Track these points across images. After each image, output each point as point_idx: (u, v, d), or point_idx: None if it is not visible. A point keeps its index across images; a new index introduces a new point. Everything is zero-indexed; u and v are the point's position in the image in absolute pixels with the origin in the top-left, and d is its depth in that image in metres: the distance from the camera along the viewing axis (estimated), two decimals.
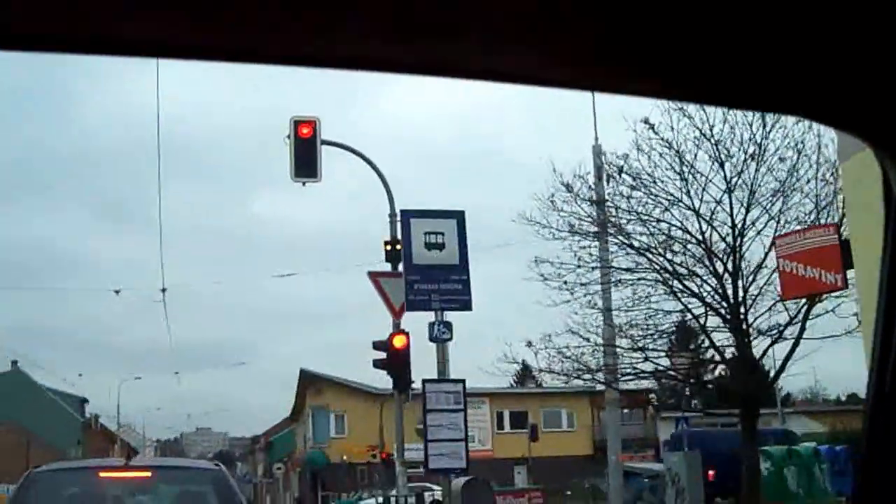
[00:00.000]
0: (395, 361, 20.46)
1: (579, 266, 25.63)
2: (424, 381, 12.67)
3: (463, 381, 13.10)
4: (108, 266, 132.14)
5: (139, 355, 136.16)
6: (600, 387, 30.89)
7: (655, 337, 26.76)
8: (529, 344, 24.64)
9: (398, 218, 22.45)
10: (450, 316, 13.76)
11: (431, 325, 12.89)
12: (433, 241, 12.89)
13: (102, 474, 9.53)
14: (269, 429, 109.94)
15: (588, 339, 26.44)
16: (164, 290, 38.55)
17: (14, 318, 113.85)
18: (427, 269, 12.91)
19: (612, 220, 25.85)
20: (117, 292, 46.77)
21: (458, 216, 13.21)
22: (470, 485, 12.99)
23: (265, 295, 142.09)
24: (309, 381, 79.28)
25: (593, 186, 26.48)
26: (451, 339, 12.91)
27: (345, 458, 75.29)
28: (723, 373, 30.12)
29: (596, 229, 25.77)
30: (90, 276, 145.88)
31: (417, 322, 22.22)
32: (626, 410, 68.03)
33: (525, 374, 67.48)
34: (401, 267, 21.85)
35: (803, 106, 1.82)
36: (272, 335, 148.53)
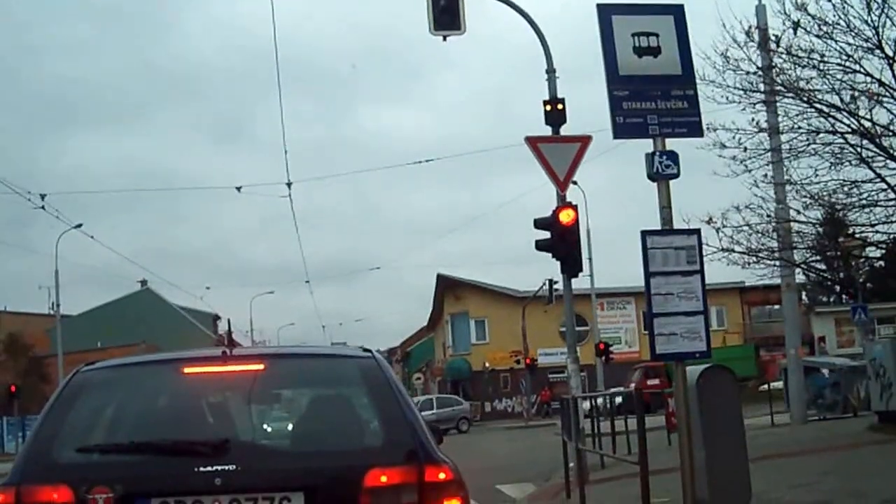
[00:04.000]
0: (563, 239, 17.85)
1: (759, 131, 22.64)
2: (644, 233, 9.59)
3: (698, 231, 10.04)
4: (228, 181, 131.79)
5: (269, 271, 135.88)
6: (770, 278, 27.88)
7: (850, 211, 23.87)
8: (710, 220, 21.79)
9: (557, 75, 19.82)
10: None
11: (650, 156, 9.77)
12: (645, 45, 9.69)
13: (188, 370, 6.13)
14: (406, 339, 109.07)
15: (769, 216, 23.72)
16: (289, 184, 36.14)
17: (140, 240, 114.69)
18: (639, 82, 9.74)
19: (787, 75, 22.66)
20: (239, 189, 44.54)
21: (677, 12, 10.05)
22: (708, 375, 10.01)
23: (391, 204, 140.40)
24: (447, 288, 77.64)
25: (759, 50, 23.29)
26: (677, 174, 9.83)
27: (487, 365, 73.75)
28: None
29: (775, 88, 22.64)
30: (210, 192, 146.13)
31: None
32: (776, 307, 65.24)
33: None
34: (563, 130, 19.17)
35: None
36: (403, 244, 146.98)
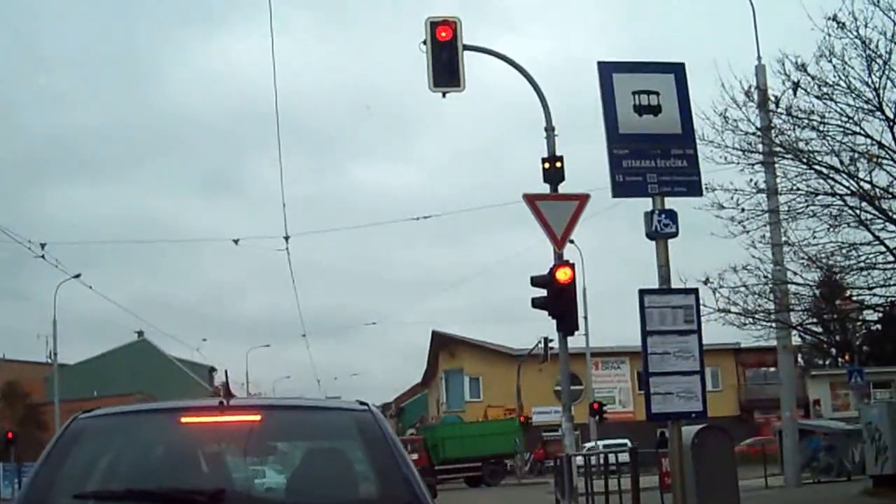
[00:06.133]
0: (560, 298, 17.86)
1: (758, 191, 22.68)
2: (642, 292, 9.61)
3: (696, 290, 10.07)
4: (225, 233, 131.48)
5: (265, 323, 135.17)
6: (766, 339, 27.86)
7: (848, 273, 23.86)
8: (707, 281, 21.76)
9: (555, 132, 19.90)
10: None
11: (649, 214, 9.82)
12: (646, 104, 9.74)
13: (186, 419, 6.12)
14: (400, 395, 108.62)
15: (766, 277, 23.73)
16: (287, 238, 36.18)
17: (137, 291, 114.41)
18: (639, 140, 9.79)
19: (787, 136, 22.69)
20: (236, 242, 44.61)
21: (677, 70, 10.11)
22: (703, 435, 10.00)
23: (387, 260, 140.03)
24: (442, 344, 77.63)
25: (758, 110, 23.34)
26: (676, 233, 9.88)
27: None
28: None
29: (774, 149, 22.68)
30: (207, 245, 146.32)
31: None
32: (771, 369, 65.05)
33: None
34: (561, 188, 19.23)
35: None
36: (399, 300, 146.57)
